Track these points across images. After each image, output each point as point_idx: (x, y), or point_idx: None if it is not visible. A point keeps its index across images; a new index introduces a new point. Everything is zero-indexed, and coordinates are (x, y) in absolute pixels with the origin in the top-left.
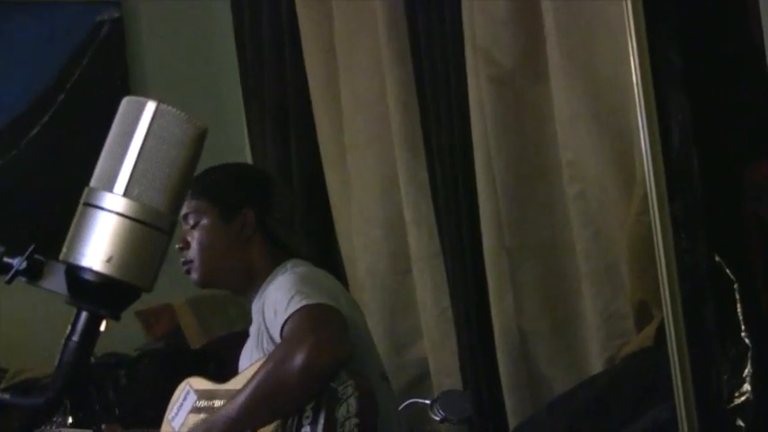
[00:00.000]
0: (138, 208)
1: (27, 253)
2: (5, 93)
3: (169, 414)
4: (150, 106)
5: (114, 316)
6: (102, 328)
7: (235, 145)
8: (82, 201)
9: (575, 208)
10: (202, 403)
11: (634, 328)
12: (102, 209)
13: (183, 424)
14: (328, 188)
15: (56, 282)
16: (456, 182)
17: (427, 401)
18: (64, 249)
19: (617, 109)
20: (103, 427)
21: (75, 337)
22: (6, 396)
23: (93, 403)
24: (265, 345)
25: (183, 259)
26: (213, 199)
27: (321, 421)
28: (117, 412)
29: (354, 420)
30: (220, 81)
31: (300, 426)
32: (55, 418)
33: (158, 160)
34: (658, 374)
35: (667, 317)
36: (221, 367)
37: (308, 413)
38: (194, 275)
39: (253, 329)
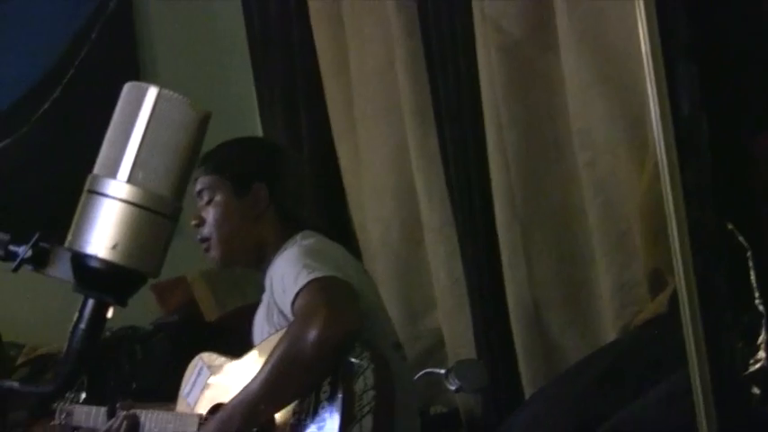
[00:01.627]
0: (142, 194)
1: (32, 241)
2: (14, 69)
3: (183, 390)
4: (152, 92)
5: (121, 302)
6: (110, 314)
7: (245, 118)
8: (86, 188)
9: (586, 176)
10: (216, 379)
11: (648, 295)
12: (105, 196)
13: (197, 400)
14: (339, 159)
15: (62, 269)
16: (466, 151)
17: (442, 371)
18: (69, 237)
19: (627, 76)
20: (118, 405)
21: (83, 325)
22: (15, 384)
23: (108, 380)
24: (275, 318)
25: (199, 236)
26: (226, 174)
27: (339, 395)
28: (133, 386)
29: (372, 392)
30: (229, 54)
31: (318, 402)
32: (68, 394)
33: (161, 146)
34: (672, 342)
35: (680, 285)
36: (236, 340)
37: (326, 388)
38: (214, 254)
39: (263, 301)
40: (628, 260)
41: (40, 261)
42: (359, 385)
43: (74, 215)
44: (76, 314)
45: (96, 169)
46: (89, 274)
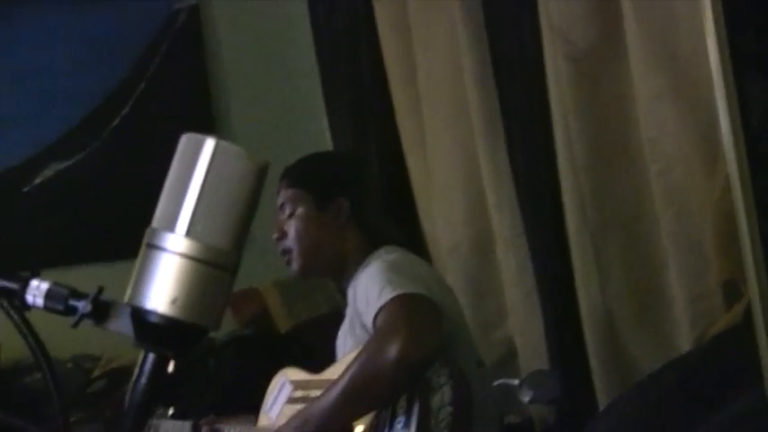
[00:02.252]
0: (201, 248)
1: (91, 296)
2: (84, 84)
3: (265, 406)
4: (209, 144)
5: (181, 356)
6: (170, 368)
7: (314, 129)
8: (144, 242)
9: (658, 186)
10: (298, 393)
11: (723, 305)
12: (164, 250)
13: (279, 415)
14: (409, 170)
15: (122, 324)
16: (537, 161)
17: (515, 382)
18: (128, 291)
19: (698, 85)
20: (203, 420)
21: (144, 379)
22: None
23: (188, 395)
24: (358, 332)
25: (281, 249)
26: (308, 187)
27: (415, 411)
28: (208, 400)
29: (449, 409)
30: (297, 66)
31: (395, 416)
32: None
33: (219, 198)
34: (749, 354)
35: (753, 297)
36: (308, 351)
37: (402, 403)
38: (294, 266)
39: (347, 314)
40: (701, 270)
41: (99, 316)
42: (435, 401)
43: (144, 227)
44: (137, 369)
45: (155, 222)
46: (149, 329)
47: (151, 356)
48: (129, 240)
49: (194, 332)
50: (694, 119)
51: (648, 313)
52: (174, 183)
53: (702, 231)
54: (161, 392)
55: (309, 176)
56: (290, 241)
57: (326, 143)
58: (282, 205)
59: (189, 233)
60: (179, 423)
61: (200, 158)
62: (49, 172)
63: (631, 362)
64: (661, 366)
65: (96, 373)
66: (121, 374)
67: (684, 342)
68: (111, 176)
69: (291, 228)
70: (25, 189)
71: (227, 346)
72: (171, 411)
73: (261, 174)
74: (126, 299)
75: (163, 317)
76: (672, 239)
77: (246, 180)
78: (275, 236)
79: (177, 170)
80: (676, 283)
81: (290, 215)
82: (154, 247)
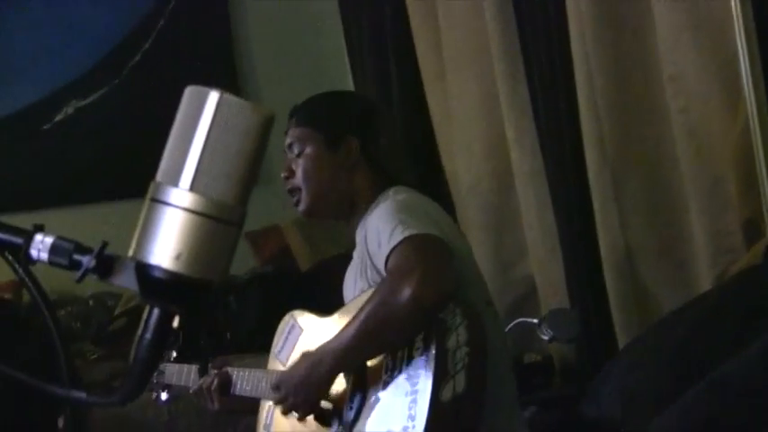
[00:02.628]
0: (205, 202)
1: (96, 251)
2: (104, 21)
3: (275, 348)
4: (213, 96)
5: (186, 312)
6: (176, 324)
7: (336, 69)
8: (148, 196)
9: (678, 123)
10: (308, 336)
11: (743, 244)
12: (168, 204)
13: (289, 357)
14: (429, 107)
15: (126, 279)
16: (557, 98)
17: (535, 320)
18: (132, 246)
19: (719, 22)
20: (211, 362)
21: (149, 335)
22: (83, 395)
23: (202, 332)
24: (368, 273)
25: (288, 187)
26: (318, 127)
27: (432, 352)
28: (227, 337)
29: (465, 349)
30: (319, 5)
31: (411, 357)
32: None
33: (224, 152)
34: None
35: None
36: (329, 290)
37: (419, 344)
38: (302, 206)
39: (356, 256)
40: (722, 208)
41: (104, 271)
42: (451, 342)
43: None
44: (142, 324)
45: (159, 177)
46: (153, 285)
47: (156, 311)
48: (149, 178)
49: (199, 287)
50: (715, 57)
51: (668, 251)
52: (178, 136)
53: (723, 169)
54: (166, 347)
55: (319, 115)
56: (298, 180)
57: (348, 84)
58: (291, 144)
59: (193, 187)
60: (186, 366)
61: (204, 111)
62: (69, 109)
63: (651, 300)
64: (681, 305)
65: (118, 310)
66: (141, 312)
67: (704, 280)
68: (131, 113)
69: (300, 167)
70: (45, 126)
71: (247, 284)
72: (174, 354)
73: (266, 126)
74: (130, 253)
75: (167, 272)
76: (692, 177)
77: (251, 133)
78: (283, 174)
79: (181, 124)
80: (696, 220)
81: (299, 154)
82: (157, 202)
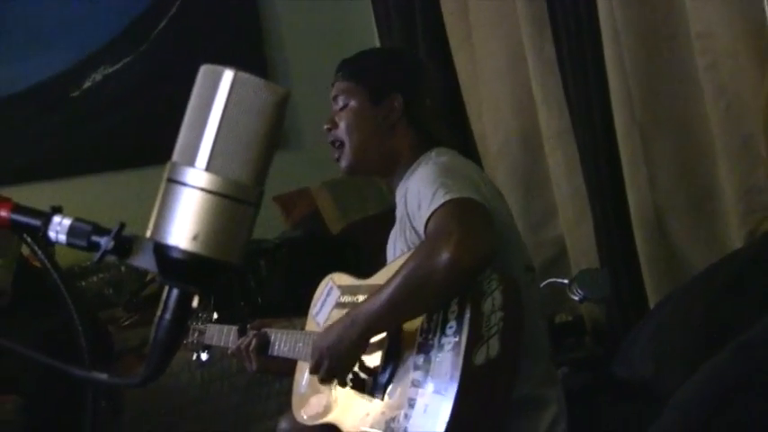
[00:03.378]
0: (222, 182)
1: (114, 232)
2: None
3: (313, 310)
4: (228, 75)
5: (205, 292)
6: (195, 303)
7: (362, 30)
8: (165, 176)
9: (706, 80)
10: (346, 298)
11: None
12: (184, 184)
13: (326, 319)
14: (456, 68)
15: (145, 259)
16: (584, 57)
17: (565, 281)
18: (150, 227)
19: None
20: (249, 324)
21: (168, 315)
22: (103, 376)
23: (236, 299)
24: (408, 234)
25: (330, 139)
26: (363, 81)
27: (467, 315)
28: (258, 301)
29: (500, 314)
30: None
31: (446, 320)
32: (200, 314)
33: (239, 131)
34: None
35: None
36: (359, 253)
37: (454, 308)
38: (343, 162)
39: (397, 216)
40: (752, 165)
41: (122, 252)
42: (487, 306)
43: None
44: (161, 304)
45: (175, 156)
46: (172, 265)
47: (175, 292)
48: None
49: (217, 267)
50: (742, 12)
51: (698, 209)
52: (194, 116)
53: (752, 126)
54: (184, 328)
55: (365, 70)
56: (341, 132)
57: (375, 44)
58: (336, 97)
59: (209, 167)
60: (225, 327)
61: (219, 91)
62: (97, 76)
63: (681, 258)
64: (712, 264)
65: (150, 276)
66: None
67: (735, 238)
68: (158, 80)
69: (343, 120)
70: (74, 94)
71: (277, 248)
72: (215, 316)
73: (281, 104)
74: (148, 234)
75: (185, 252)
76: (721, 135)
77: (267, 111)
78: (326, 126)
79: (196, 103)
80: (726, 177)
81: (343, 108)
82: (174, 182)
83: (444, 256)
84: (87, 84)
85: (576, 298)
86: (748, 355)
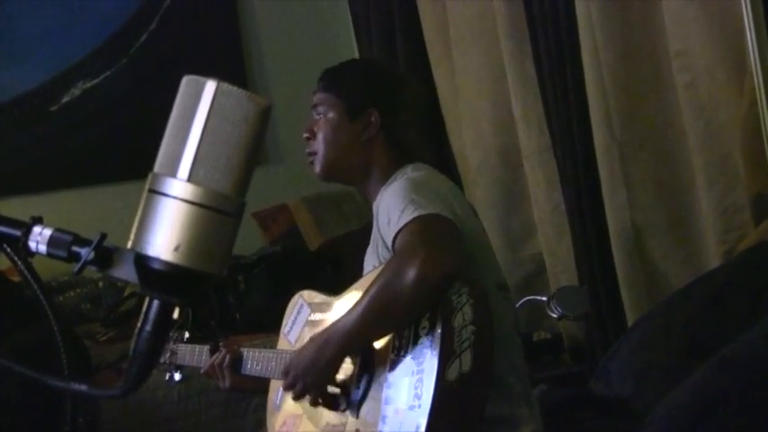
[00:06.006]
0: (204, 193)
1: (95, 243)
2: (110, 2)
3: (284, 328)
4: (210, 86)
5: (186, 303)
6: (176, 315)
7: (341, 43)
8: (146, 187)
9: (685, 99)
10: (316, 316)
11: (752, 220)
12: (166, 195)
13: (298, 338)
14: (436, 84)
15: (125, 271)
16: (564, 75)
17: (544, 298)
18: (131, 238)
19: None
20: (222, 342)
21: (149, 327)
22: (84, 387)
23: (209, 318)
24: (380, 250)
25: (308, 150)
26: (341, 94)
27: (438, 331)
28: (237, 317)
29: (471, 328)
30: None
31: (417, 337)
32: (171, 334)
33: (221, 142)
34: None
35: None
36: (338, 269)
37: (425, 324)
38: (316, 167)
39: (373, 233)
40: (730, 184)
41: (103, 263)
42: (458, 321)
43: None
44: (141, 316)
45: (157, 167)
46: (153, 276)
47: (156, 303)
48: (155, 159)
49: (199, 279)
50: (722, 32)
51: (677, 228)
52: (176, 127)
53: (731, 144)
54: (165, 339)
55: (343, 83)
56: (317, 144)
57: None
58: (316, 106)
59: (191, 178)
60: (198, 347)
61: (202, 101)
62: (75, 91)
63: (660, 277)
64: (690, 282)
65: (128, 291)
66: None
67: (713, 257)
68: (138, 94)
69: (321, 131)
70: (52, 108)
71: (256, 264)
72: (187, 335)
73: (264, 116)
74: (129, 245)
75: (166, 263)
76: (700, 153)
77: (249, 123)
78: (305, 134)
79: (178, 114)
80: (705, 196)
81: (321, 118)
82: (156, 193)
83: (411, 273)
84: (66, 98)
85: (555, 315)
86: (729, 369)
